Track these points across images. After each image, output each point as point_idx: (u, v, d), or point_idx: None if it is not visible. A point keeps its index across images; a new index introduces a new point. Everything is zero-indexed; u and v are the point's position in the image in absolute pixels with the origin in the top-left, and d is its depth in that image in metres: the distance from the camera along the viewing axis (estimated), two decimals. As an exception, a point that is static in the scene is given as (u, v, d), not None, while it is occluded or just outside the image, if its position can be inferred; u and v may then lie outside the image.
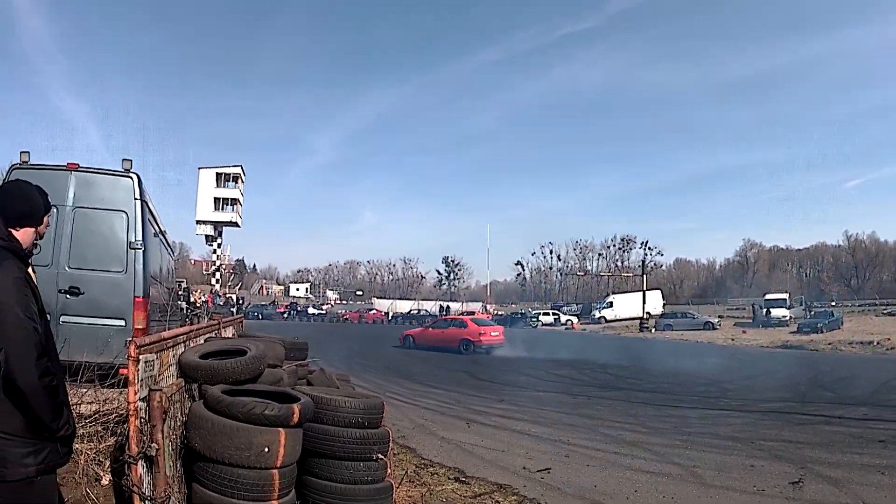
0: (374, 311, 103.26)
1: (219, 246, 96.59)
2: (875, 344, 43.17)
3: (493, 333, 39.93)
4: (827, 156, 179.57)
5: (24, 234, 3.67)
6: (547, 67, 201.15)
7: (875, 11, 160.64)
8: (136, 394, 4.67)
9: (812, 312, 70.89)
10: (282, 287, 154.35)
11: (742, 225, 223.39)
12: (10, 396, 3.30)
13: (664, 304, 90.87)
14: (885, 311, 78.68)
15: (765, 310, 71.57)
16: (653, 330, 69.90)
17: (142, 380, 4.84)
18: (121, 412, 6.55)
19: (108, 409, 6.94)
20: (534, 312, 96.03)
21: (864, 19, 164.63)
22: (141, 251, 10.32)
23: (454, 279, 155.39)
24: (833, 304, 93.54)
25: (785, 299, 73.77)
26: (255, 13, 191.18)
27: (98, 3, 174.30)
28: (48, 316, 3.78)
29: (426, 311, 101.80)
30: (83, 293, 9.99)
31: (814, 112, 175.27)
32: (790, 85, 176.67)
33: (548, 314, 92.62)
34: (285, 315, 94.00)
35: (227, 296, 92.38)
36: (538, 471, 9.87)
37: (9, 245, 3.55)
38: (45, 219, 3.86)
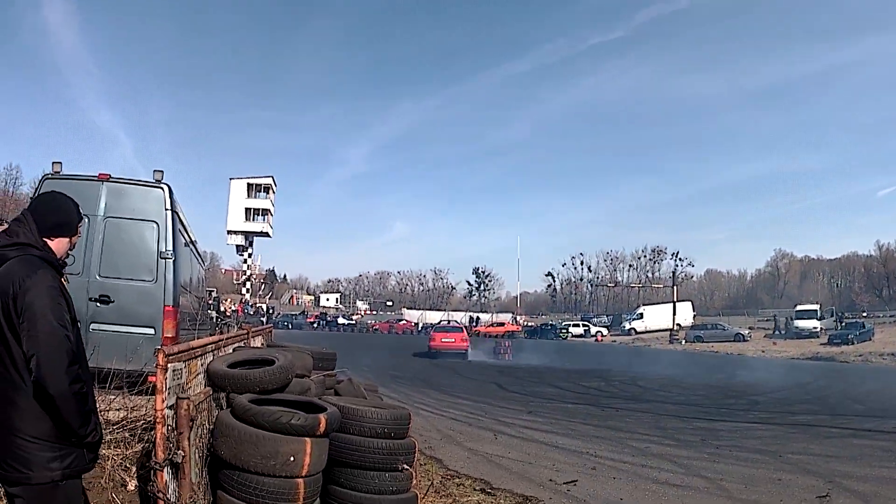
0: (404, 322, 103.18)
1: (249, 256, 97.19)
2: (905, 355, 42.71)
3: (444, 339, 43.35)
4: (858, 164, 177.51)
5: (58, 244, 3.73)
6: (576, 78, 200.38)
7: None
8: (163, 401, 4.72)
9: (843, 323, 70.21)
10: (312, 297, 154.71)
11: (773, 235, 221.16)
12: (39, 401, 3.35)
13: (694, 316, 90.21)
14: (916, 322, 77.99)
15: (784, 320, 71.42)
16: (683, 342, 69.49)
17: (170, 388, 4.89)
18: (148, 419, 6.61)
19: (135, 416, 7.00)
20: (563, 323, 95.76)
21: (893, 25, 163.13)
22: (171, 261, 10.39)
23: (484, 290, 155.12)
24: (864, 314, 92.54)
25: (815, 310, 73.05)
26: (286, 27, 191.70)
27: (131, 16, 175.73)
28: (79, 324, 3.83)
29: (456, 321, 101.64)
30: (113, 301, 10.07)
31: (844, 119, 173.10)
32: (820, 92, 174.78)
33: (578, 325, 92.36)
34: (315, 325, 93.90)
35: (257, 305, 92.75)
36: (564, 483, 9.80)
37: (44, 255, 3.61)
38: (78, 228, 3.92)
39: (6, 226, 3.77)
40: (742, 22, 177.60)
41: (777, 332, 70.50)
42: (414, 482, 6.53)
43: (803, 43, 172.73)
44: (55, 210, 3.78)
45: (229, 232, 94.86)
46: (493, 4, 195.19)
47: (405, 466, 6.22)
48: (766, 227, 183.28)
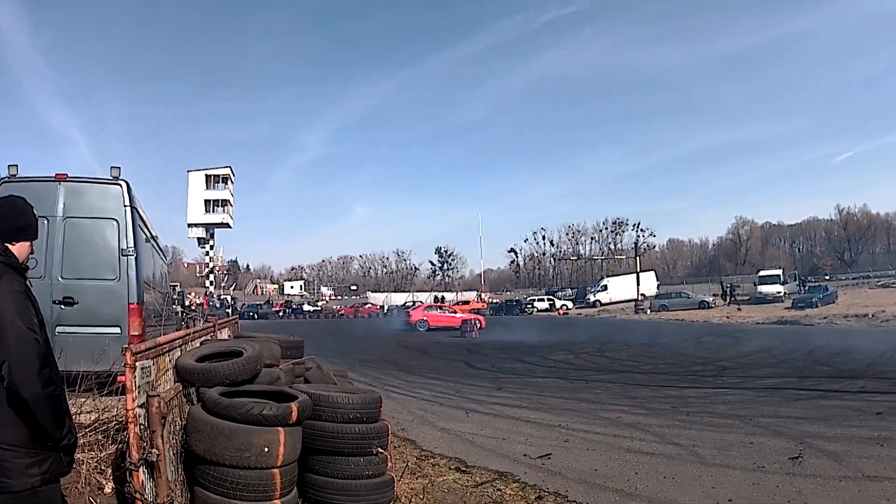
0: (370, 306, 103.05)
1: (211, 248, 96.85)
2: (870, 316, 43.32)
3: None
4: (816, 130, 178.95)
5: (20, 249, 3.72)
6: (535, 53, 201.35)
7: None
8: (134, 400, 4.71)
9: (806, 287, 71.13)
10: (276, 286, 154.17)
11: (734, 203, 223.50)
12: (14, 407, 3.35)
13: (658, 285, 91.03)
14: (878, 284, 79.31)
15: (730, 286, 72.86)
16: (648, 311, 70.04)
17: (139, 386, 4.89)
18: (120, 420, 6.57)
19: (107, 418, 6.96)
20: (528, 299, 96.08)
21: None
22: (133, 257, 10.34)
23: (448, 269, 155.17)
24: (827, 278, 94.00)
25: (778, 275, 73.90)
26: (237, 14, 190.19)
27: (80, 14, 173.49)
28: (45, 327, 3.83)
29: (421, 302, 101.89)
30: (77, 303, 10.01)
31: (803, 86, 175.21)
32: (779, 60, 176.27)
33: (542, 300, 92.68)
34: (280, 314, 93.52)
35: (222, 297, 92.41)
36: (538, 457, 9.85)
37: (7, 260, 3.60)
38: (37, 231, 3.91)
39: None
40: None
41: (732, 299, 71.19)
42: (389, 464, 6.57)
43: (760, 12, 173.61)
44: (15, 215, 3.77)
45: (190, 225, 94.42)
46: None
47: (379, 450, 6.26)
48: (727, 195, 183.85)
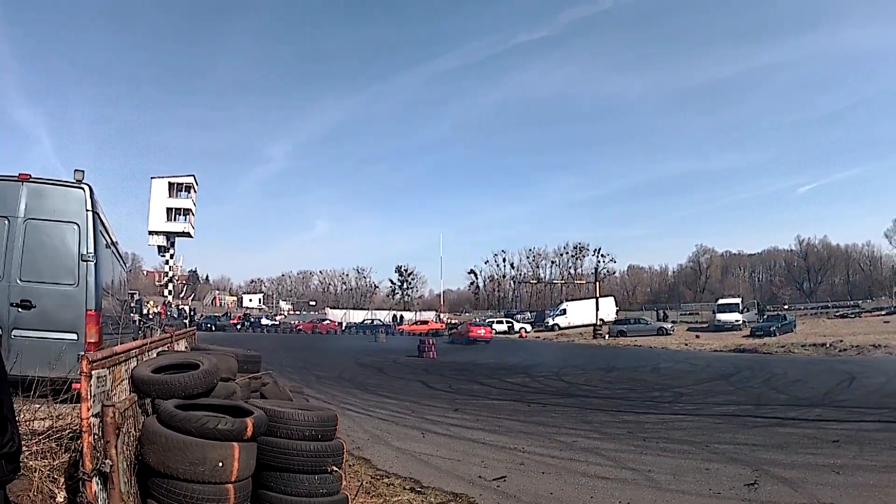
0: (328, 322, 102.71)
1: (171, 257, 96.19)
2: (828, 346, 43.85)
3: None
4: (779, 162, 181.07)
5: None
6: (502, 76, 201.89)
7: (826, 20, 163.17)
8: (89, 409, 4.67)
9: (765, 316, 72.04)
10: (235, 298, 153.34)
11: (695, 231, 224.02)
12: None
13: (617, 311, 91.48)
14: (837, 314, 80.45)
15: (661, 314, 73.84)
16: (606, 336, 70.22)
17: (95, 395, 4.84)
18: (74, 428, 6.50)
19: (61, 425, 6.87)
20: (487, 321, 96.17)
21: (815, 27, 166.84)
22: (93, 263, 10.24)
23: (408, 288, 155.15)
24: (786, 307, 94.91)
25: (737, 304, 74.93)
26: (209, 22, 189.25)
27: (51, 11, 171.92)
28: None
29: (380, 320, 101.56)
30: (35, 307, 9.89)
31: (767, 119, 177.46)
32: (744, 92, 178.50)
33: (501, 322, 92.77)
34: (238, 327, 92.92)
35: (180, 307, 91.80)
36: (494, 479, 9.90)
37: None
38: None
39: None
40: (666, 24, 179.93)
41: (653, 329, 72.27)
42: (344, 483, 6.54)
43: (726, 45, 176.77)
44: None
45: (151, 232, 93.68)
46: (417, 2, 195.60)
47: (334, 468, 6.23)
48: (688, 223, 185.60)
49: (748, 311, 75.55)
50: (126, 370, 6.06)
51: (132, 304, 22.08)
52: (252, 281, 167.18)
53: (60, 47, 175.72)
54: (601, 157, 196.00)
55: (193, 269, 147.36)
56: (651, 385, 25.08)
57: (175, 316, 76.59)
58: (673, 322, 77.88)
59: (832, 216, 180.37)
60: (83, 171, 10.57)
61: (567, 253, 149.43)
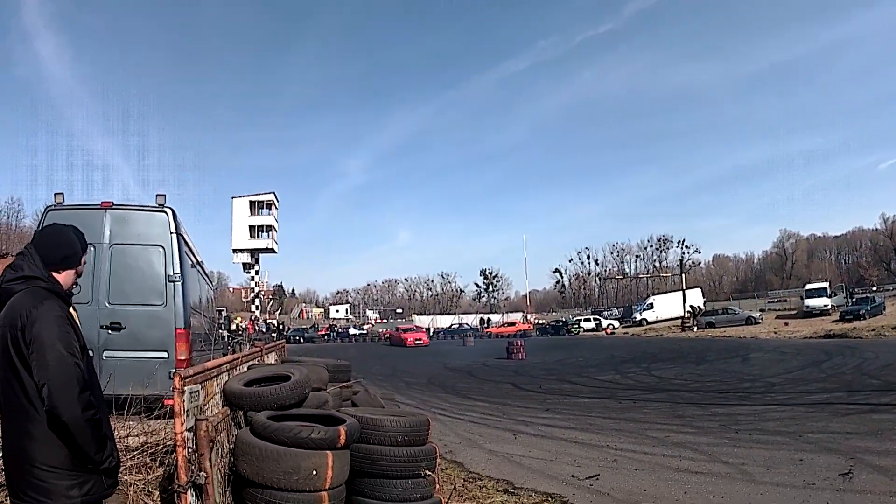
0: (419, 329, 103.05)
1: (256, 273, 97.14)
2: (919, 327, 42.62)
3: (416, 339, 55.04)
4: (857, 140, 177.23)
5: (65, 277, 3.78)
6: (571, 74, 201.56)
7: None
8: (182, 424, 4.73)
9: (853, 299, 70.36)
10: (322, 309, 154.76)
11: (778, 217, 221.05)
12: (54, 430, 3.40)
13: (704, 302, 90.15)
14: (926, 293, 78.11)
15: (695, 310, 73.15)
16: (695, 328, 69.39)
17: (188, 410, 4.90)
18: (167, 443, 6.61)
19: (154, 441, 6.99)
20: (574, 319, 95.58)
21: (871, 3, 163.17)
22: (179, 283, 10.45)
23: (493, 291, 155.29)
24: (874, 289, 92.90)
25: (825, 288, 73.05)
26: (277, 43, 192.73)
27: (121, 45, 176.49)
28: (91, 352, 3.86)
29: (467, 324, 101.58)
30: (125, 328, 10.11)
31: (840, 98, 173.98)
32: (814, 73, 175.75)
33: (589, 320, 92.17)
34: (326, 337, 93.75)
35: (268, 321, 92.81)
36: (587, 478, 9.80)
37: (50, 286, 3.64)
38: (83, 259, 3.95)
39: (11, 259, 3.80)
40: (729, 9, 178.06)
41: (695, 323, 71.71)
42: (437, 487, 6.53)
43: (791, 26, 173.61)
44: (59, 243, 3.82)
45: (235, 250, 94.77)
46: (482, 7, 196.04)
47: (427, 472, 6.22)
48: (770, 209, 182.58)
49: (836, 294, 73.64)
50: (218, 385, 6.13)
51: (220, 321, 22.44)
52: (338, 292, 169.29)
53: (133, 80, 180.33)
54: (678, 149, 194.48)
55: (279, 284, 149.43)
56: (742, 376, 24.60)
57: (263, 330, 77.63)
58: (761, 310, 76.66)
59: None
60: (165, 196, 10.79)
61: (651, 246, 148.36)
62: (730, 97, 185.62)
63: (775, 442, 11.84)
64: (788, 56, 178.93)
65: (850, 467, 9.51)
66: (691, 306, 77.39)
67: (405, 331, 64.35)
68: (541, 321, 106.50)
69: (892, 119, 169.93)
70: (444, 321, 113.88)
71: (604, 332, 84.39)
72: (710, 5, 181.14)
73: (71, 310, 3.74)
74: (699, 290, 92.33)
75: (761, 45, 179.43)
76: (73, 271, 3.85)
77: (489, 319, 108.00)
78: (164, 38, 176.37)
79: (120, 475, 4.30)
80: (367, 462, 6.06)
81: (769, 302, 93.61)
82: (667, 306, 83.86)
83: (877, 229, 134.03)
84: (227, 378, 6.56)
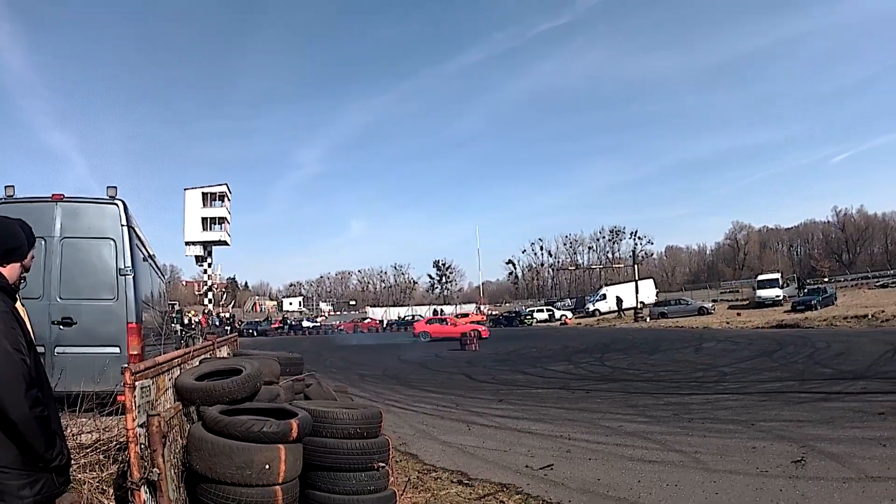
0: (369, 321, 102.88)
1: (209, 266, 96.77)
2: (870, 317, 43.39)
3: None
4: (812, 133, 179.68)
5: (10, 270, 3.73)
6: (528, 65, 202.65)
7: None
8: (134, 420, 4.69)
9: (805, 290, 71.46)
10: (275, 302, 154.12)
11: (731, 208, 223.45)
12: (2, 429, 3.36)
13: (657, 293, 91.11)
14: (877, 284, 79.92)
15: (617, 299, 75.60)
16: (647, 319, 69.99)
17: (139, 406, 4.87)
18: (121, 439, 6.56)
19: (108, 438, 6.95)
20: (528, 310, 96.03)
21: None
22: (131, 277, 10.35)
23: (446, 282, 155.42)
24: (826, 280, 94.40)
25: (777, 279, 74.34)
26: (234, 34, 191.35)
27: (77, 35, 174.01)
28: (42, 348, 3.84)
29: (420, 316, 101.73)
30: (76, 323, 10.01)
31: (796, 91, 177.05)
32: (771, 66, 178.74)
33: (542, 311, 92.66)
34: (279, 330, 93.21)
35: (221, 315, 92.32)
36: (541, 468, 9.87)
37: None
38: (30, 252, 3.91)
39: None
40: (687, 0, 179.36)
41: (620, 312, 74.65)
42: (391, 479, 6.55)
43: (749, 18, 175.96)
44: (4, 236, 3.78)
45: (187, 243, 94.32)
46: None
47: (381, 464, 6.24)
48: (723, 200, 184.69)
49: (788, 285, 75.11)
50: (170, 379, 6.09)
51: (173, 315, 22.25)
52: (291, 284, 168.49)
53: (87, 70, 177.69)
54: (633, 141, 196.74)
55: (232, 277, 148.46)
56: (695, 365, 24.92)
57: (216, 324, 77.24)
58: (714, 301, 77.62)
59: (868, 185, 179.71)
60: (116, 188, 10.69)
61: (604, 237, 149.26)
62: (687, 89, 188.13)
63: (728, 430, 11.99)
64: (746, 49, 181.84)
65: (803, 455, 9.67)
66: (617, 297, 78.65)
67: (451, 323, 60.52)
68: (494, 312, 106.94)
69: (847, 114, 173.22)
70: (398, 313, 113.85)
71: (558, 322, 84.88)
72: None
73: (18, 304, 3.71)
74: (652, 280, 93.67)
75: (720, 38, 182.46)
76: (19, 265, 3.81)
77: (442, 311, 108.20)
78: (121, 28, 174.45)
79: (74, 473, 4.29)
80: (320, 455, 6.06)
81: (721, 293, 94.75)
82: (620, 297, 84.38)
83: (829, 222, 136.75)
84: (179, 372, 6.52)
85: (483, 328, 53.84)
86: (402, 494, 7.39)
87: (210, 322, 77.59)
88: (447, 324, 59.21)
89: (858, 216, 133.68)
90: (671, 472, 9.34)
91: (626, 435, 12.16)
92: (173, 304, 27.12)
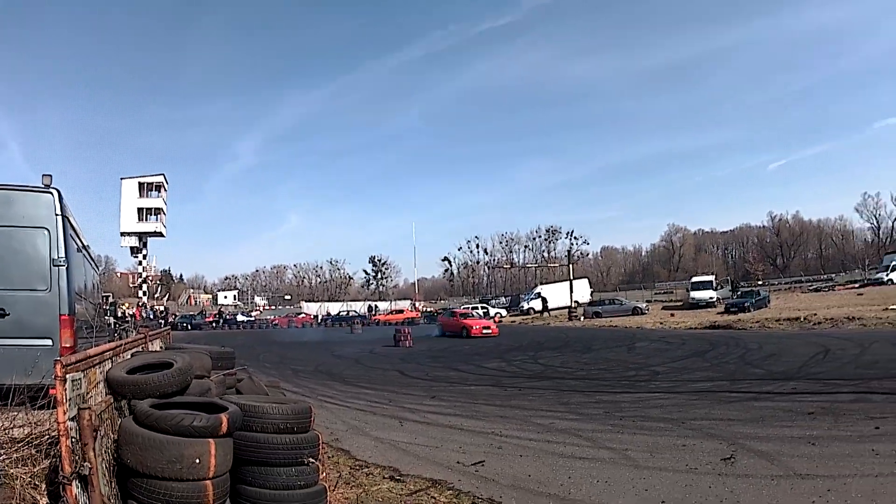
0: (304, 315, 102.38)
1: (144, 257, 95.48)
2: (802, 320, 43.99)
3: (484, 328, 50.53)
4: (749, 140, 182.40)
5: None
6: (468, 63, 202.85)
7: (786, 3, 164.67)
8: (65, 413, 4.72)
9: (739, 292, 72.51)
10: (210, 296, 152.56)
11: (667, 211, 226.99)
12: None
13: (592, 292, 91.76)
14: (810, 288, 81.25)
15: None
16: (581, 318, 70.31)
17: (70, 399, 4.89)
18: (53, 434, 6.53)
19: (40, 432, 6.89)
20: (463, 307, 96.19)
21: (778, 7, 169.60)
22: (64, 268, 10.22)
23: (382, 278, 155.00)
24: (760, 283, 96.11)
25: (711, 281, 75.38)
26: (173, 24, 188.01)
27: (12, 18, 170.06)
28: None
29: (355, 311, 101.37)
30: (8, 314, 9.88)
31: (734, 98, 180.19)
32: (710, 72, 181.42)
33: (476, 308, 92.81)
34: (214, 324, 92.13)
35: (155, 307, 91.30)
36: (472, 464, 9.96)
37: None
38: None
39: None
40: (629, 6, 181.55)
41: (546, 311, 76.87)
42: (322, 475, 6.61)
43: (690, 26, 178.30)
44: None
45: (123, 234, 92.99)
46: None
47: (311, 460, 6.30)
48: (660, 203, 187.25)
49: (722, 288, 76.22)
50: (101, 373, 6.10)
51: (106, 307, 22.08)
52: (226, 278, 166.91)
53: (26, 55, 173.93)
54: (571, 142, 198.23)
55: (167, 269, 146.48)
56: (627, 365, 25.13)
57: (150, 317, 76.32)
58: (648, 301, 78.47)
59: (803, 192, 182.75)
60: (51, 176, 10.54)
61: (540, 237, 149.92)
62: (625, 92, 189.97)
63: (658, 428, 12.19)
64: (685, 54, 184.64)
65: (732, 452, 9.86)
66: (542, 297, 79.45)
67: (464, 316, 57.17)
68: (429, 309, 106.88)
69: (783, 121, 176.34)
70: (333, 308, 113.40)
71: (493, 320, 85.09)
72: (609, 2, 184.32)
73: None
74: (587, 280, 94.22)
75: (659, 43, 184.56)
76: None
77: (377, 307, 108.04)
78: (60, 15, 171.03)
79: (5, 468, 4.30)
80: (250, 450, 6.12)
81: (656, 293, 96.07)
82: (554, 296, 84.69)
83: (764, 226, 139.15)
84: (110, 365, 6.53)
85: (494, 327, 53.16)
86: (333, 490, 7.44)
87: (144, 315, 76.73)
88: (474, 317, 59.97)
89: (793, 222, 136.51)
90: (602, 468, 9.49)
91: (557, 432, 12.30)
92: (107, 296, 26.91)
